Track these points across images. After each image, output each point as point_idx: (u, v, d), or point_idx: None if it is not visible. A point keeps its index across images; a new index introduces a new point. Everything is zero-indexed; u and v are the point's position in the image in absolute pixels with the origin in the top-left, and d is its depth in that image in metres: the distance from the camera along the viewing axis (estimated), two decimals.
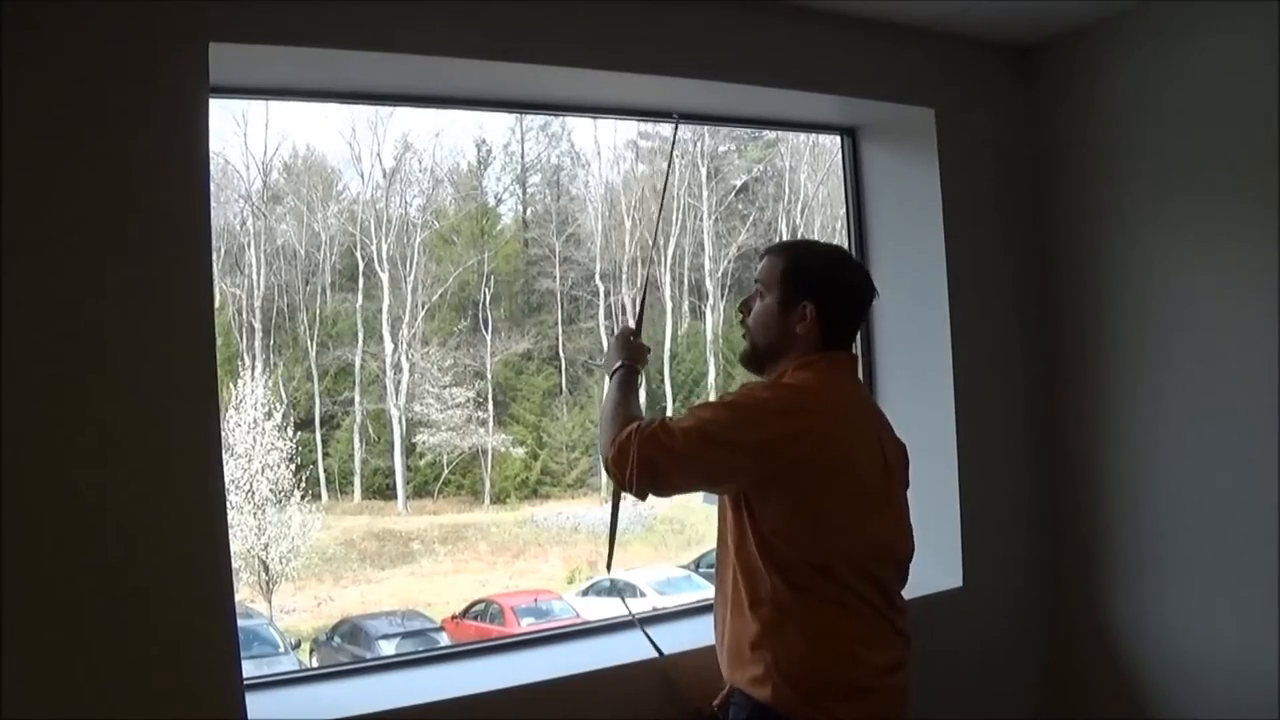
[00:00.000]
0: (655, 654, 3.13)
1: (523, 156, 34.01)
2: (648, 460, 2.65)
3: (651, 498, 2.78)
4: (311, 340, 29.94)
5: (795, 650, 2.68)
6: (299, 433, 25.05)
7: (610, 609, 17.28)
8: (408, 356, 29.87)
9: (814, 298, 2.83)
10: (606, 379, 3.08)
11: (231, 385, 22.42)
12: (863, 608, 2.75)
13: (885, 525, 2.84)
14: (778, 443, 2.66)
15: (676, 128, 3.37)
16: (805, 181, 32.48)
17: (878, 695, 2.76)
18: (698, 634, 3.45)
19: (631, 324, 3.29)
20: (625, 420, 2.78)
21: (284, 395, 26.59)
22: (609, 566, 3.32)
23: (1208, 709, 4.07)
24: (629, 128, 33.20)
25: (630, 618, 3.11)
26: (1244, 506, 3.93)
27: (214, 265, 3.09)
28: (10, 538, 2.64)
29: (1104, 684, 4.41)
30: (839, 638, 2.72)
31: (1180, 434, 4.15)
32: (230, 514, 3.13)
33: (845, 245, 4.71)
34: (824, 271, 2.90)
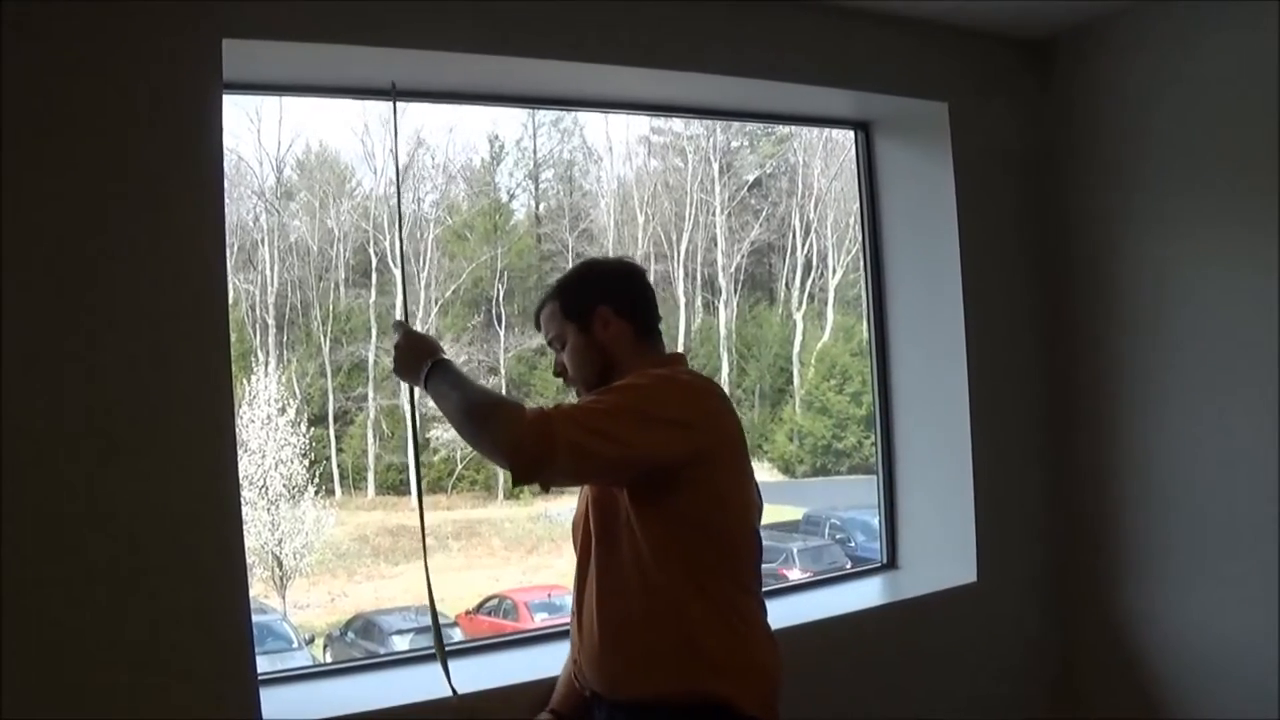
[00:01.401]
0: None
1: (535, 152, 33.97)
2: (574, 444, 2.40)
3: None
4: (325, 336, 29.92)
5: (731, 641, 2.62)
6: (312, 428, 25.05)
7: None
8: None
9: (600, 301, 2.82)
10: (413, 387, 2.88)
11: (245, 381, 22.41)
12: (758, 591, 2.74)
13: (756, 504, 2.79)
14: (706, 418, 2.63)
15: (395, 102, 3.11)
16: (818, 176, 32.40)
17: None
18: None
19: (399, 317, 2.97)
20: (504, 404, 2.56)
21: (297, 391, 26.55)
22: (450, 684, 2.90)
23: (1219, 707, 4.06)
24: (641, 123, 33.14)
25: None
26: (1256, 506, 3.93)
27: (228, 261, 3.09)
28: (24, 533, 2.65)
29: (1116, 680, 4.41)
30: (759, 624, 2.72)
31: (1193, 432, 4.14)
32: (244, 509, 3.12)
33: (859, 241, 4.73)
34: (590, 276, 2.95)
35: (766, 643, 2.71)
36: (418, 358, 2.74)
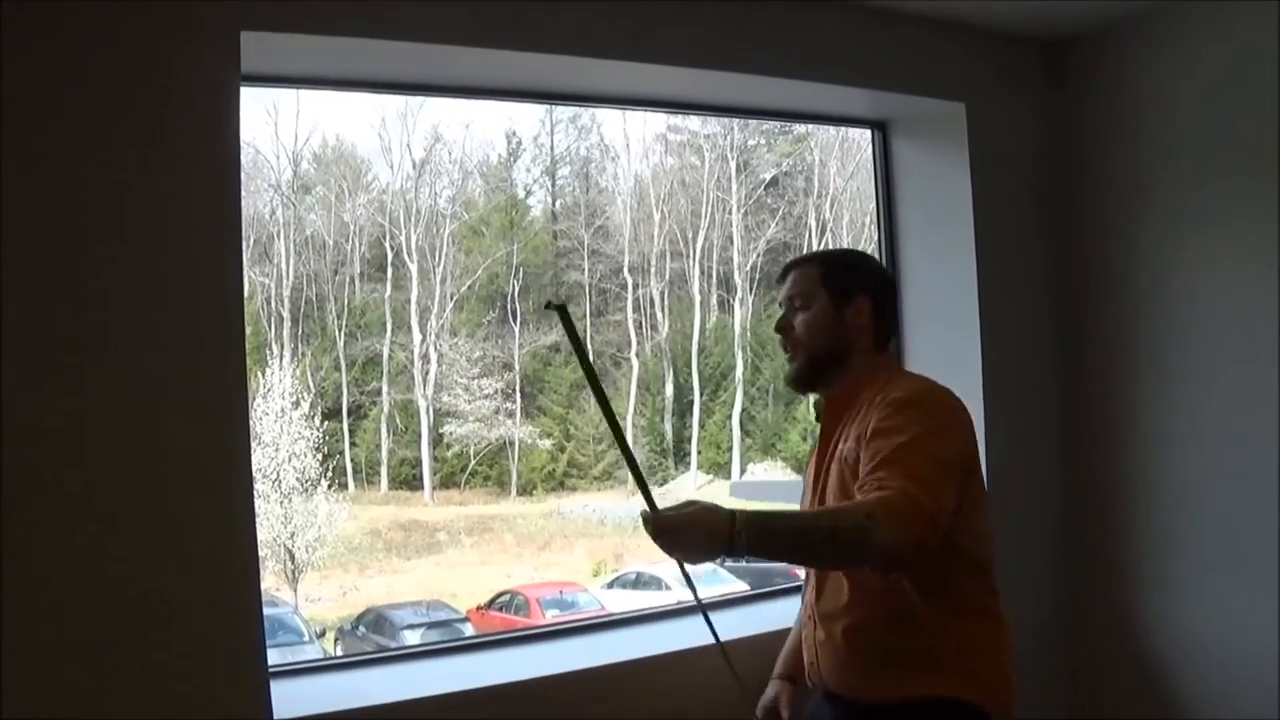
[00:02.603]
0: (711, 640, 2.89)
1: (552, 148, 34.08)
2: (932, 518, 2.34)
3: None
4: (340, 330, 30.03)
5: (974, 644, 2.65)
6: (326, 422, 25.14)
7: (635, 601, 17.20)
8: (436, 347, 29.94)
9: (865, 291, 2.79)
10: (711, 565, 2.84)
11: (260, 374, 22.51)
12: (999, 591, 2.75)
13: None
14: (973, 436, 2.67)
15: (560, 311, 2.86)
16: (835, 175, 32.44)
17: None
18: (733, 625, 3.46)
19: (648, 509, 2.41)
20: (860, 523, 2.30)
21: (312, 385, 26.63)
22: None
23: (1233, 708, 4.05)
24: (659, 120, 33.20)
25: (696, 604, 2.83)
26: (1269, 507, 3.91)
27: (244, 254, 3.10)
28: (36, 524, 2.66)
29: (1127, 681, 4.40)
30: (1002, 626, 2.74)
31: (1205, 432, 4.13)
32: (257, 502, 3.13)
33: (875, 241, 4.73)
34: (863, 266, 2.91)
35: (1006, 644, 2.72)
36: (712, 533, 2.27)
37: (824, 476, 2.75)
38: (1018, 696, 2.70)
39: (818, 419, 2.86)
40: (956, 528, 2.47)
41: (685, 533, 2.29)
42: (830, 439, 2.76)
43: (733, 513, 2.28)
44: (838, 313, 2.77)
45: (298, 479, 21.98)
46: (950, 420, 2.60)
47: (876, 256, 3.00)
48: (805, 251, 3.31)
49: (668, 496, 28.02)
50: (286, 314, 29.66)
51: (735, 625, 3.82)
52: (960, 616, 2.61)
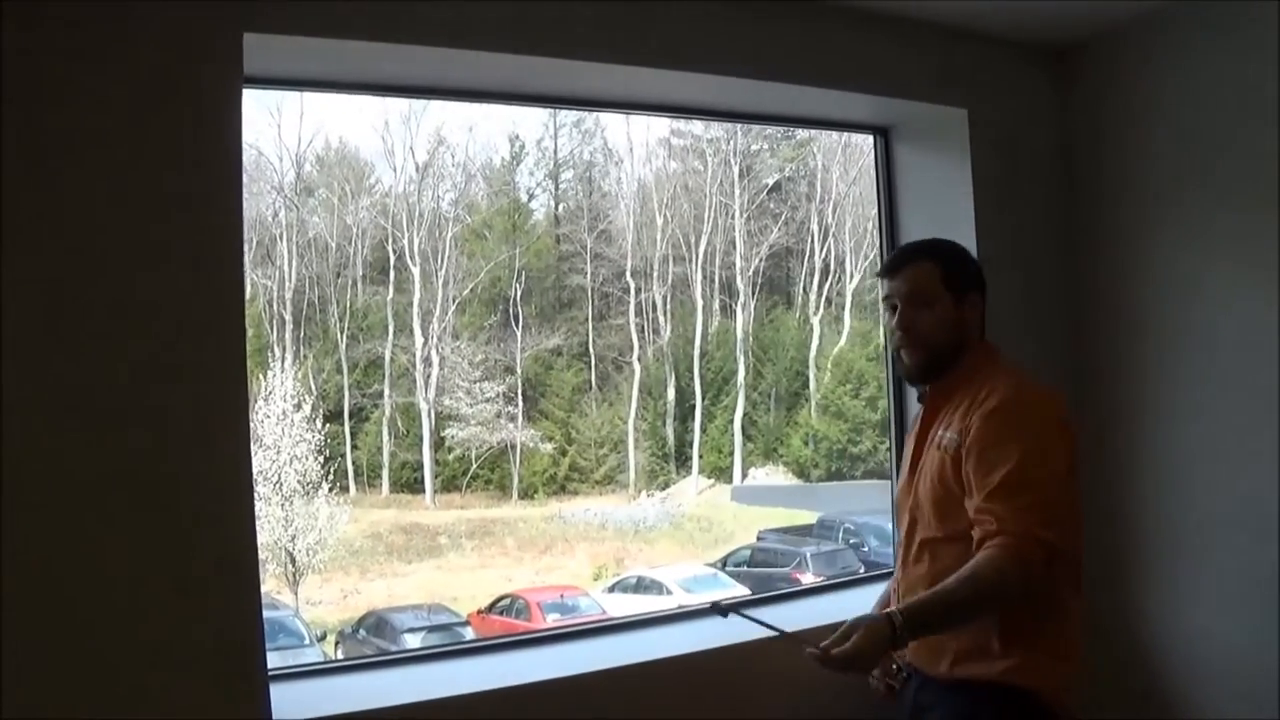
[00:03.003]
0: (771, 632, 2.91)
1: (555, 152, 34.10)
2: (1052, 545, 2.57)
3: None
4: (342, 333, 30.04)
5: (1050, 635, 2.77)
6: (328, 425, 25.14)
7: (636, 605, 17.22)
8: (438, 350, 29.95)
9: (977, 288, 2.98)
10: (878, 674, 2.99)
11: (261, 377, 22.52)
12: (1081, 587, 2.84)
13: None
14: (1071, 438, 2.81)
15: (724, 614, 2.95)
16: (837, 181, 32.45)
17: None
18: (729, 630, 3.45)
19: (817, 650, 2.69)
20: (998, 580, 2.56)
21: (313, 387, 26.66)
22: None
23: (1232, 710, 4.05)
24: (662, 125, 33.23)
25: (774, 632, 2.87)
26: (1268, 510, 3.91)
27: (246, 256, 3.10)
28: (36, 527, 2.66)
29: (1127, 683, 4.39)
30: (1078, 621, 2.84)
31: (1209, 434, 4.13)
32: (258, 505, 3.14)
33: (877, 246, 4.73)
34: (972, 261, 3.06)
35: (1072, 637, 2.81)
36: (879, 645, 2.60)
37: (923, 459, 2.93)
38: (1077, 688, 2.81)
39: (920, 400, 3.06)
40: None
41: (863, 658, 2.60)
42: (931, 424, 2.95)
43: (890, 621, 2.57)
44: (958, 311, 2.92)
45: (299, 482, 21.98)
46: (1049, 429, 2.74)
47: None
48: (913, 242, 3.34)
49: (669, 500, 28.02)
50: (289, 316, 29.67)
51: (737, 630, 3.82)
52: (1029, 608, 2.68)
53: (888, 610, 2.63)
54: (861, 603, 4.18)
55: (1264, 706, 3.88)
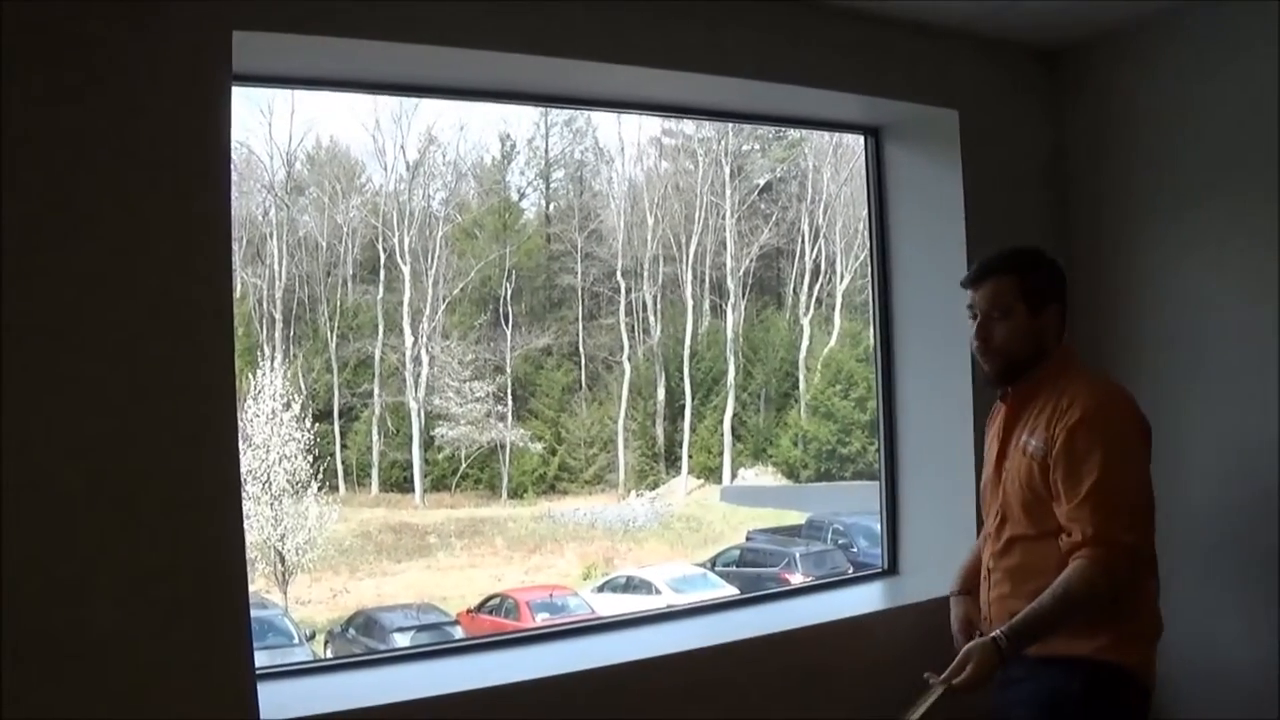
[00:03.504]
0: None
1: (546, 151, 34.10)
2: (1136, 547, 2.82)
3: None
4: (331, 332, 30.02)
5: (1137, 620, 2.97)
6: (317, 424, 25.09)
7: (625, 605, 17.21)
8: (428, 350, 29.90)
9: (1057, 300, 3.09)
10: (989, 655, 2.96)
11: (251, 375, 22.46)
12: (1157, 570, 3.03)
13: None
14: (1149, 438, 2.97)
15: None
16: (828, 181, 32.44)
17: None
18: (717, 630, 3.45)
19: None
20: (1087, 590, 2.81)
21: (303, 386, 26.62)
22: None
23: (1209, 708, 4.06)
24: (653, 124, 33.22)
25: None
26: (1256, 514, 3.92)
27: (235, 255, 3.10)
28: (24, 525, 2.65)
29: None
30: (1154, 599, 3.05)
31: (1202, 439, 4.14)
32: (247, 504, 3.14)
33: (867, 247, 4.74)
34: (1053, 272, 3.14)
35: (1151, 615, 3.01)
36: (990, 660, 2.85)
37: (1007, 461, 3.11)
38: (1154, 664, 2.99)
39: (1001, 399, 3.19)
40: None
41: (981, 681, 2.85)
42: (1014, 426, 3.11)
43: (996, 644, 2.84)
44: (1036, 321, 3.05)
45: (288, 481, 21.94)
46: (1129, 433, 2.91)
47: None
48: (994, 256, 3.36)
49: (659, 500, 28.01)
50: (278, 315, 29.62)
51: (726, 630, 3.83)
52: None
53: (993, 635, 2.87)
54: (849, 603, 4.20)
55: (1264, 707, 3.88)
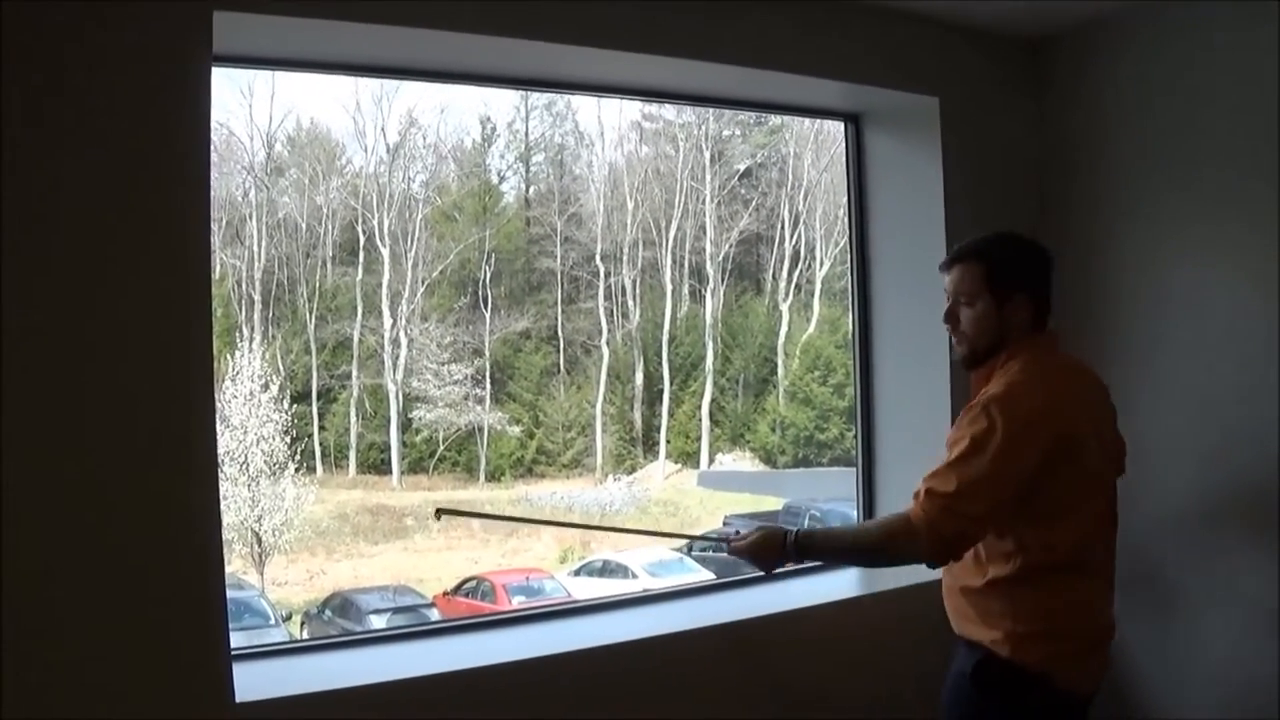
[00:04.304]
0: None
1: (527, 135, 33.95)
2: (960, 533, 2.82)
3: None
4: (310, 313, 29.88)
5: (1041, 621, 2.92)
6: (295, 405, 25.00)
7: (602, 588, 17.21)
8: (406, 332, 29.81)
9: (1024, 289, 3.02)
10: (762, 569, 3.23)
11: (229, 356, 22.38)
12: (1085, 566, 3.02)
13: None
14: (1049, 448, 2.83)
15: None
16: (809, 168, 32.41)
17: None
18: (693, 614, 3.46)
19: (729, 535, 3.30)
20: (891, 534, 2.93)
21: (281, 368, 26.53)
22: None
23: (1209, 708, 4.06)
24: (633, 109, 33.11)
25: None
26: (1243, 511, 3.93)
27: (214, 236, 3.09)
28: (2, 503, 2.64)
29: (1108, 700, 4.41)
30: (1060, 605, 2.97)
31: (1182, 434, 4.14)
32: (224, 485, 3.13)
33: (847, 234, 4.75)
34: (1024, 261, 3.09)
35: (1080, 620, 2.97)
36: (774, 546, 3.11)
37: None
38: (1082, 665, 2.97)
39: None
40: (1026, 533, 2.86)
41: (755, 555, 3.15)
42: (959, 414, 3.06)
43: (785, 533, 3.08)
44: (999, 312, 3.01)
45: (265, 462, 21.87)
46: (1013, 432, 2.79)
47: (1028, 238, 3.10)
48: (972, 239, 3.36)
49: (636, 484, 28.00)
50: (257, 296, 29.48)
51: (702, 614, 3.84)
52: (1019, 586, 2.88)
53: (795, 528, 3.11)
54: (824, 590, 4.21)
55: (1264, 707, 3.89)
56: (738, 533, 3.24)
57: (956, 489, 2.77)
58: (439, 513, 3.70)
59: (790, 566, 3.27)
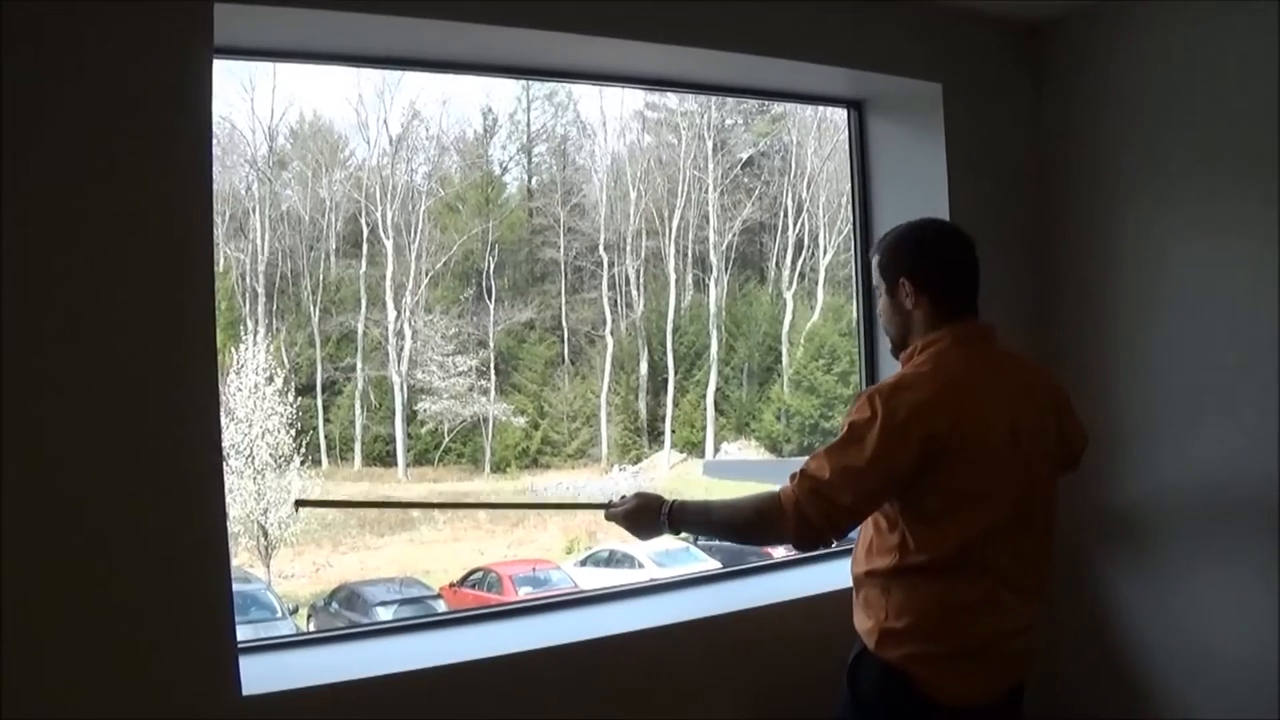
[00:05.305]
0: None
1: (529, 125, 33.94)
2: (829, 518, 2.75)
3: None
4: (314, 306, 29.92)
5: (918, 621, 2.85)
6: (300, 398, 25.02)
7: (608, 579, 17.24)
8: (410, 324, 29.82)
9: (905, 274, 2.92)
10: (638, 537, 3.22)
11: (233, 350, 22.40)
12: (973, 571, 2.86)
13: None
14: (912, 449, 2.72)
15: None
16: (812, 156, 32.38)
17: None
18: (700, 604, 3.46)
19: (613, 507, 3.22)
20: (762, 512, 2.88)
21: (286, 360, 26.53)
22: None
23: (1209, 708, 4.06)
24: (636, 98, 33.13)
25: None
26: (1249, 498, 3.92)
27: (218, 230, 3.09)
28: (6, 498, 2.64)
29: (1100, 676, 4.41)
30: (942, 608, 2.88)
31: (1181, 425, 4.14)
32: (230, 478, 3.13)
33: (851, 222, 4.73)
34: (903, 246, 2.99)
35: (955, 625, 2.84)
36: (649, 514, 3.08)
37: None
38: (952, 676, 2.83)
39: None
40: (913, 528, 2.78)
41: (630, 522, 3.13)
42: None
43: (662, 502, 3.06)
44: (894, 300, 2.96)
45: (271, 455, 21.89)
46: (890, 425, 2.70)
47: (920, 224, 3.04)
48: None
49: (642, 474, 27.98)
50: (261, 289, 29.50)
51: (709, 603, 3.84)
52: (894, 580, 2.84)
53: (672, 498, 3.08)
54: (832, 577, 4.21)
55: (1265, 706, 3.88)
56: (623, 497, 3.20)
57: (829, 476, 2.71)
58: (299, 504, 3.70)
59: (666, 535, 3.22)
